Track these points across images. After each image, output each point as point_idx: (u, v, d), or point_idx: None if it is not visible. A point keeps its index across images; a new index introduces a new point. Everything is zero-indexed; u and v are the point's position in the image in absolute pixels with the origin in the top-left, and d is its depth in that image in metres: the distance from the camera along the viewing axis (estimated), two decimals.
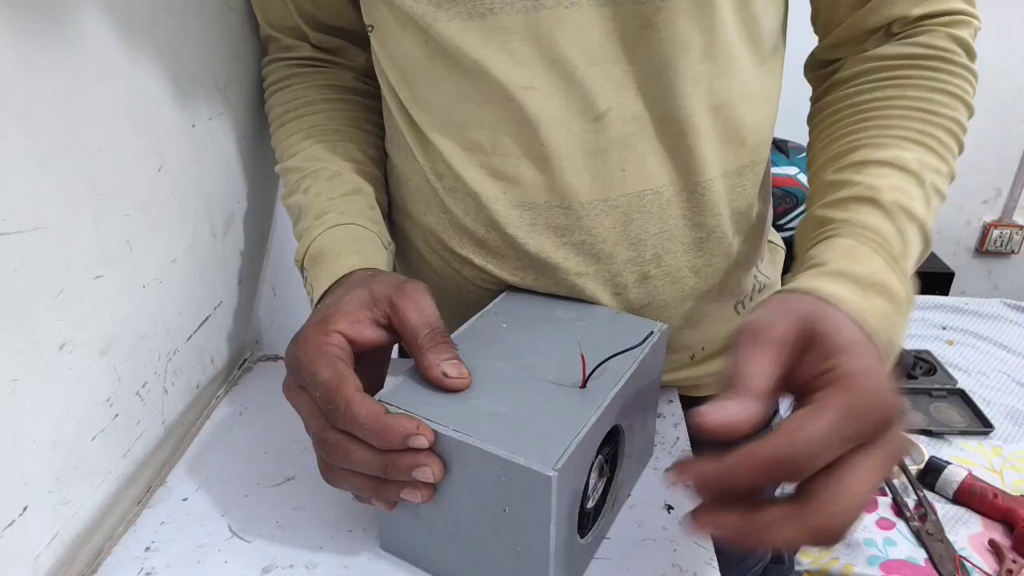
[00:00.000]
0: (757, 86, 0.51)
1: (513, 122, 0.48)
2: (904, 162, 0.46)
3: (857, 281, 0.40)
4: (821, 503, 0.32)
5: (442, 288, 0.59)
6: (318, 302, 0.47)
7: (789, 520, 0.32)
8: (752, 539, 0.33)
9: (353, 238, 0.51)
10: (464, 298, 0.58)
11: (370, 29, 0.53)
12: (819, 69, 0.57)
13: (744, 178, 0.53)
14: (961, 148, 0.50)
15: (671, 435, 0.55)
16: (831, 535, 0.32)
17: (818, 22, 0.56)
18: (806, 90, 0.59)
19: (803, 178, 1.94)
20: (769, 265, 0.64)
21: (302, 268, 0.52)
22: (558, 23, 0.44)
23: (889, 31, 0.51)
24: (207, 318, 0.58)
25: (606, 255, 0.52)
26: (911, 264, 0.44)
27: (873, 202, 0.44)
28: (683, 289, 0.55)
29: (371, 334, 0.42)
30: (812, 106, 0.57)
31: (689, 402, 0.63)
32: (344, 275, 0.47)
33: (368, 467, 0.39)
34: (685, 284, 0.54)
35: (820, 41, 0.56)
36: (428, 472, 0.38)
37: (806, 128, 0.57)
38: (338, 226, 0.51)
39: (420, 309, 0.42)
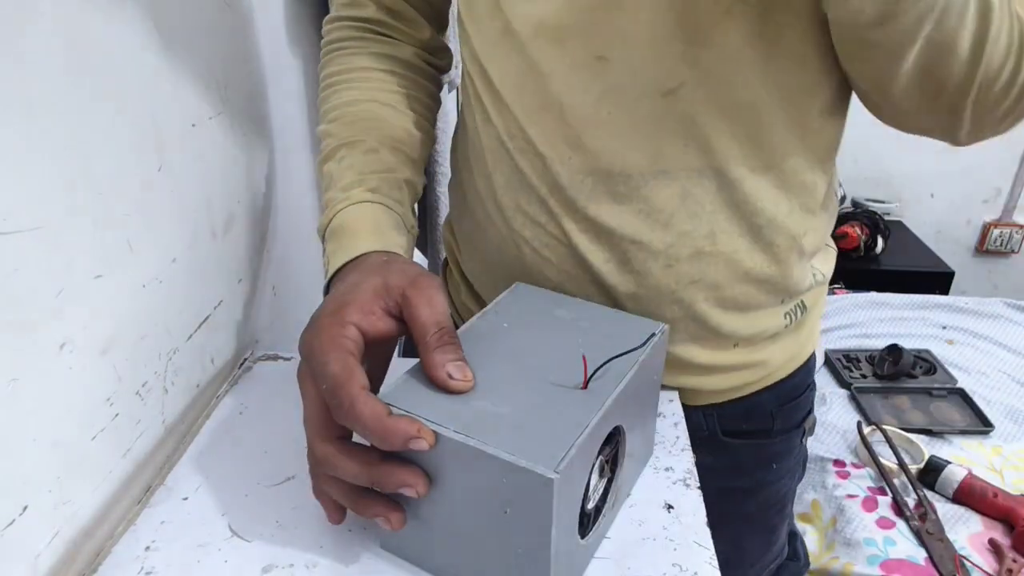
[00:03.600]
0: (828, 84, 0.52)
1: (583, 92, 0.50)
2: None
3: None
4: None
5: (502, 250, 0.60)
6: (331, 277, 0.48)
7: None
8: None
9: (375, 218, 0.51)
10: (521, 260, 0.59)
11: None
12: None
13: (803, 175, 0.54)
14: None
15: (671, 435, 0.55)
16: None
17: None
18: None
19: None
20: (823, 262, 0.64)
21: (323, 238, 0.52)
22: (633, 2, 0.47)
23: None
24: (207, 318, 0.58)
25: (661, 226, 0.53)
26: None
27: None
28: (736, 272, 0.55)
29: (383, 326, 0.43)
30: None
31: (719, 410, 0.63)
32: (360, 255, 0.47)
33: (355, 479, 0.39)
34: (739, 267, 0.55)
35: None
36: (413, 491, 0.38)
37: None
38: (363, 203, 0.52)
39: (432, 305, 0.42)
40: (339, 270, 0.48)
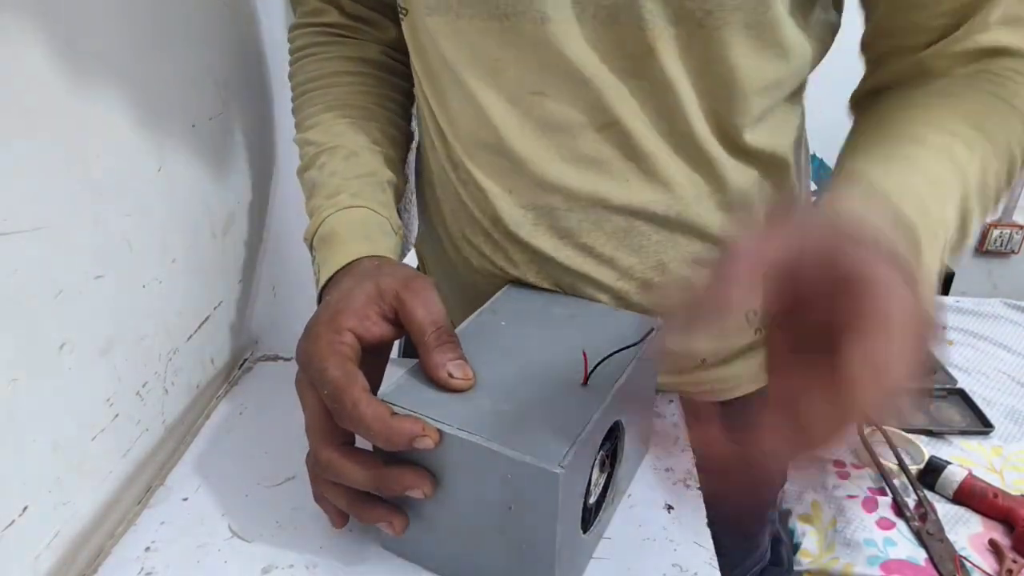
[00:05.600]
0: (773, 112, 0.51)
1: (520, 125, 0.49)
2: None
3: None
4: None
5: (453, 274, 0.60)
6: (324, 286, 0.48)
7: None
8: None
9: (363, 222, 0.51)
10: (474, 286, 0.58)
11: (403, 13, 0.53)
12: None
13: (762, 190, 0.53)
14: (1012, 169, 0.46)
15: (671, 435, 0.55)
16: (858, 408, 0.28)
17: (877, 40, 0.51)
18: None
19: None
20: None
21: (311, 247, 0.52)
22: (566, 35, 0.45)
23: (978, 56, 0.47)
24: (207, 318, 0.58)
25: (607, 260, 0.52)
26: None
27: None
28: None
29: (379, 330, 0.43)
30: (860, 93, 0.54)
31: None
32: (351, 261, 0.47)
33: (360, 484, 0.39)
34: (692, 291, 0.54)
35: (877, 62, 0.52)
36: (419, 492, 0.38)
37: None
38: (349, 208, 0.51)
39: (427, 306, 0.42)
40: (331, 278, 0.48)
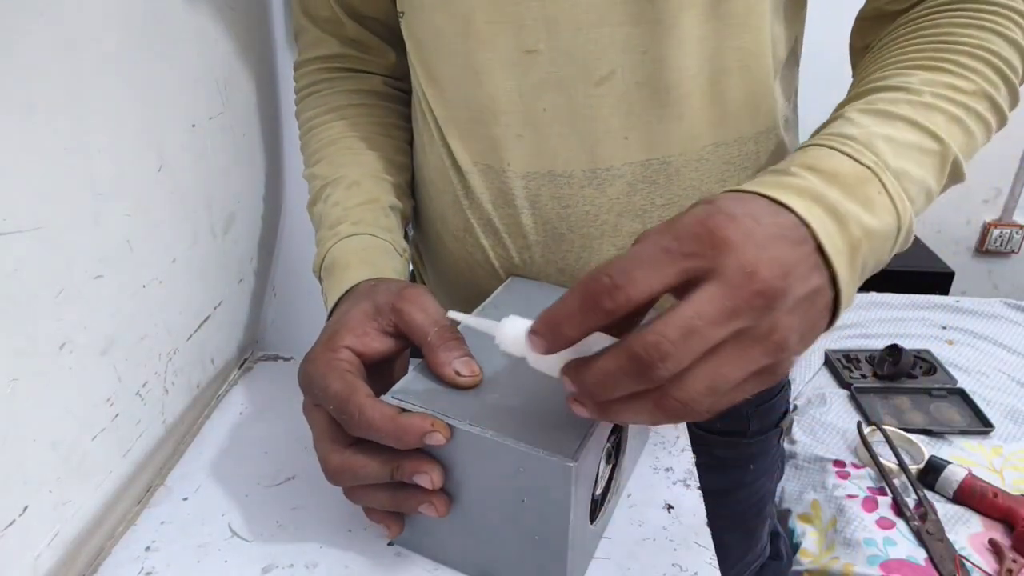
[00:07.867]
0: (770, 50, 0.49)
1: (516, 89, 0.48)
2: (901, 84, 0.42)
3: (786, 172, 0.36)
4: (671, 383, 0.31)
5: (457, 272, 0.60)
6: (330, 314, 0.48)
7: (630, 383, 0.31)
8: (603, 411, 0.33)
9: (363, 248, 0.51)
10: (475, 284, 0.58)
11: (401, 15, 0.53)
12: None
13: (757, 144, 0.52)
14: (1006, 80, 0.43)
15: (671, 435, 0.55)
16: (680, 410, 0.31)
17: None
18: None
19: None
20: None
21: (319, 278, 0.53)
22: None
23: None
24: (207, 318, 0.58)
25: (610, 227, 0.51)
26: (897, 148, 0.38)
27: (844, 118, 0.40)
28: None
29: (379, 345, 0.43)
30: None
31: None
32: (352, 287, 0.48)
33: (375, 475, 0.39)
34: None
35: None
36: (427, 478, 0.38)
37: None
38: (350, 237, 0.52)
39: (424, 309, 0.42)
40: (335, 305, 0.48)
